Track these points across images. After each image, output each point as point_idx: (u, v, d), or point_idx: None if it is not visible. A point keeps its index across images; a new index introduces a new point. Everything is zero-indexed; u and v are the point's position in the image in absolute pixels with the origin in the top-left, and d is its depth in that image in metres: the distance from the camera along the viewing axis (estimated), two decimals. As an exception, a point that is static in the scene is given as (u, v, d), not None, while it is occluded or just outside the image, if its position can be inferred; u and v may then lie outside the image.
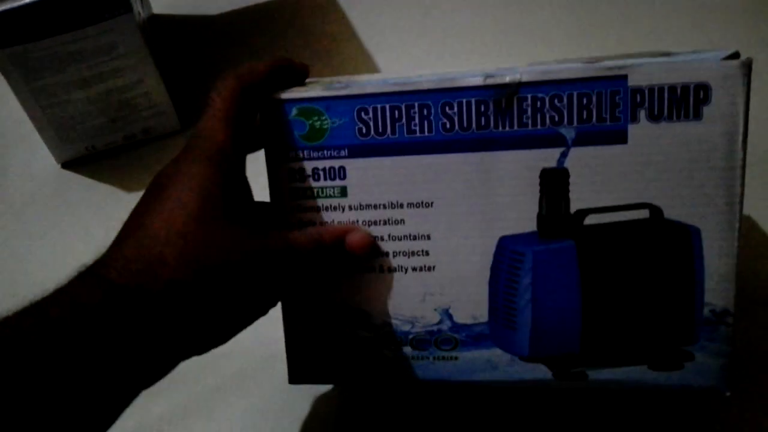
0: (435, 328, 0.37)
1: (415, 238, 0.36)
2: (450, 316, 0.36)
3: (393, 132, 0.35)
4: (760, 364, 0.42)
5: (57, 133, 0.58)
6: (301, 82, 0.38)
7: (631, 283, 0.35)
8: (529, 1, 0.61)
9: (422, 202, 0.36)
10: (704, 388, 0.35)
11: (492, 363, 0.36)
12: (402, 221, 0.36)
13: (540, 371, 0.36)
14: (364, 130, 0.36)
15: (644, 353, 0.36)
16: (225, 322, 0.34)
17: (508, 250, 0.35)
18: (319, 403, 0.45)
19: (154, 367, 0.32)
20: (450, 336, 0.37)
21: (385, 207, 0.36)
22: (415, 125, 0.35)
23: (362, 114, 0.35)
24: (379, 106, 0.35)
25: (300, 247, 0.34)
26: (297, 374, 0.39)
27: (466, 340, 0.36)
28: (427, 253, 0.36)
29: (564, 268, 0.35)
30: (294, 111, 0.36)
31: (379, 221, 0.36)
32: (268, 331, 0.41)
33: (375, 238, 0.36)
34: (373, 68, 0.60)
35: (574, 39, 0.58)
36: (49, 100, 0.55)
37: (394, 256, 0.36)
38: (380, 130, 0.35)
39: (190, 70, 0.63)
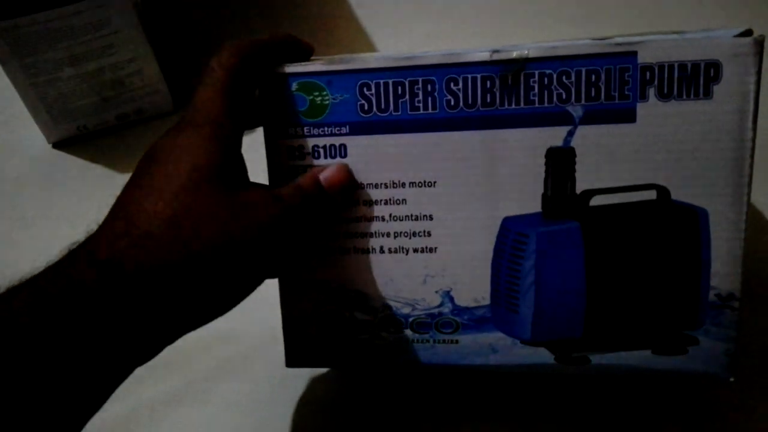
0: (436, 311, 0.36)
1: (417, 218, 0.35)
2: (451, 299, 0.36)
3: (396, 109, 0.34)
4: (765, 350, 0.42)
5: (48, 112, 0.56)
6: (308, 56, 0.37)
7: (636, 266, 0.34)
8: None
9: (425, 182, 0.35)
10: (708, 373, 0.35)
11: (493, 347, 0.36)
12: (404, 201, 0.35)
13: (542, 355, 0.36)
14: (366, 107, 0.35)
15: (648, 337, 0.35)
16: (221, 296, 0.33)
17: (511, 232, 0.34)
18: (316, 386, 0.44)
19: (149, 344, 0.31)
20: (451, 319, 0.36)
21: (386, 186, 0.35)
22: (418, 102, 0.34)
23: (364, 89, 0.34)
24: (381, 81, 0.34)
25: (292, 202, 0.33)
26: (294, 357, 0.38)
27: (467, 323, 0.36)
28: (429, 234, 0.35)
29: (568, 250, 0.34)
30: (295, 85, 0.35)
31: (380, 201, 0.35)
32: (265, 314, 0.40)
33: (377, 217, 0.35)
34: (371, 49, 0.59)
35: (581, 19, 0.57)
36: (39, 77, 0.54)
37: (395, 237, 0.36)
38: (383, 107, 0.34)
39: (185, 51, 0.62)
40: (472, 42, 0.58)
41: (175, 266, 0.30)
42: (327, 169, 0.35)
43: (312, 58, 0.37)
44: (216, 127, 0.32)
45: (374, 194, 0.35)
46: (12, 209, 0.56)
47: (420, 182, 0.35)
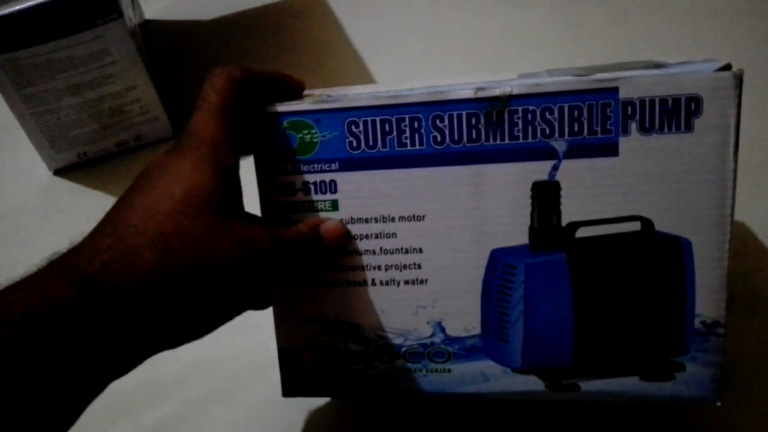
0: (428, 341, 0.37)
1: (407, 251, 0.36)
2: (443, 329, 0.36)
3: (384, 145, 0.35)
4: (751, 372, 0.42)
5: (49, 140, 0.57)
6: (296, 98, 0.37)
7: (622, 295, 0.35)
8: (522, 5, 0.61)
9: (414, 216, 0.36)
10: (695, 398, 0.35)
11: (485, 375, 0.37)
12: (394, 235, 0.36)
13: (532, 383, 0.36)
14: (354, 144, 0.35)
15: (635, 364, 0.36)
16: (199, 320, 0.33)
17: (500, 263, 0.35)
18: (313, 412, 0.45)
19: (125, 360, 0.31)
20: (443, 349, 0.37)
21: (376, 221, 0.36)
22: (405, 138, 0.35)
23: (352, 127, 0.35)
24: (369, 119, 0.35)
25: (288, 242, 0.34)
26: (290, 388, 0.39)
27: (458, 352, 0.36)
28: (420, 267, 0.36)
29: (556, 280, 0.35)
30: (285, 124, 0.36)
31: (371, 235, 0.36)
32: (261, 338, 0.40)
33: (367, 250, 0.36)
34: (365, 73, 0.60)
35: (568, 45, 0.58)
36: (40, 107, 0.55)
37: (386, 270, 0.36)
38: (371, 144, 0.35)
39: (182, 76, 0.63)
40: (465, 64, 0.59)
41: (159, 286, 0.30)
42: (328, 222, 0.36)
43: (305, 92, 0.38)
44: (212, 149, 0.33)
45: (364, 228, 0.36)
46: (14, 236, 0.57)
47: (409, 216, 0.36)
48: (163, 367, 0.47)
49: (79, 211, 0.57)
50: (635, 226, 0.34)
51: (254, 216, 0.38)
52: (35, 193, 0.59)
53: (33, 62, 0.52)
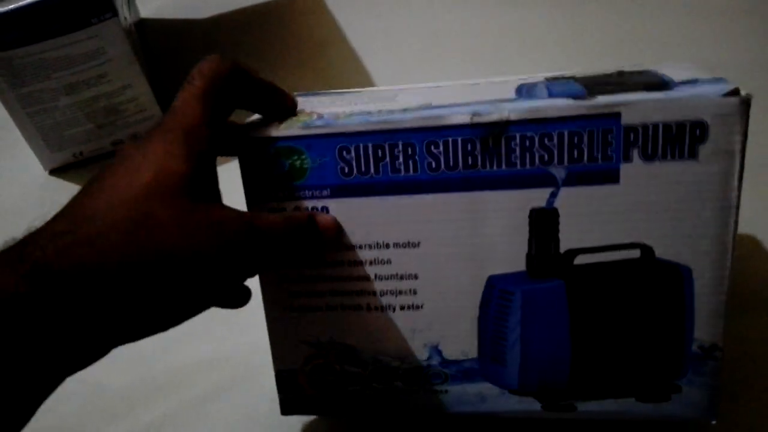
0: (425, 363, 0.37)
1: (402, 277, 0.35)
2: (439, 352, 0.36)
3: (376, 171, 0.34)
4: (747, 390, 0.42)
5: (44, 140, 0.57)
6: (287, 116, 0.36)
7: (620, 322, 0.35)
8: (521, 5, 0.60)
9: (409, 242, 0.35)
10: (691, 417, 0.36)
11: (482, 395, 0.37)
12: (388, 261, 0.35)
13: (529, 403, 0.36)
14: (346, 170, 0.34)
15: (632, 386, 0.36)
16: (167, 309, 0.30)
17: (497, 289, 0.35)
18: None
19: (83, 352, 0.29)
20: (440, 371, 0.37)
21: (370, 247, 0.35)
22: (399, 164, 0.34)
23: (344, 153, 0.34)
24: (361, 144, 0.34)
25: (269, 229, 0.32)
26: (288, 407, 0.39)
27: (455, 374, 0.36)
28: (415, 292, 0.36)
29: (553, 307, 0.34)
30: (273, 150, 0.35)
31: (365, 261, 0.35)
32: (260, 336, 0.40)
33: (361, 276, 0.36)
34: (361, 71, 0.59)
35: (567, 45, 0.57)
36: (35, 106, 0.55)
37: (381, 295, 0.36)
38: (363, 170, 0.34)
39: (178, 75, 0.62)
40: (462, 63, 0.58)
41: (121, 272, 0.28)
42: (321, 213, 0.35)
43: (298, 109, 0.37)
44: (188, 133, 0.31)
45: (359, 255, 0.35)
46: (9, 234, 0.57)
47: (404, 243, 0.35)
48: (161, 365, 0.47)
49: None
50: (635, 252, 0.34)
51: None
52: (31, 193, 0.59)
53: (28, 61, 0.52)
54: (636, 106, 0.32)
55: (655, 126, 0.32)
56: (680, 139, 0.32)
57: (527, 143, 0.33)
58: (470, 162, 0.33)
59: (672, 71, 0.35)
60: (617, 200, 0.33)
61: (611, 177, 0.33)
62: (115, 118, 0.58)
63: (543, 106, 0.33)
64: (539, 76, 0.38)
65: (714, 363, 0.35)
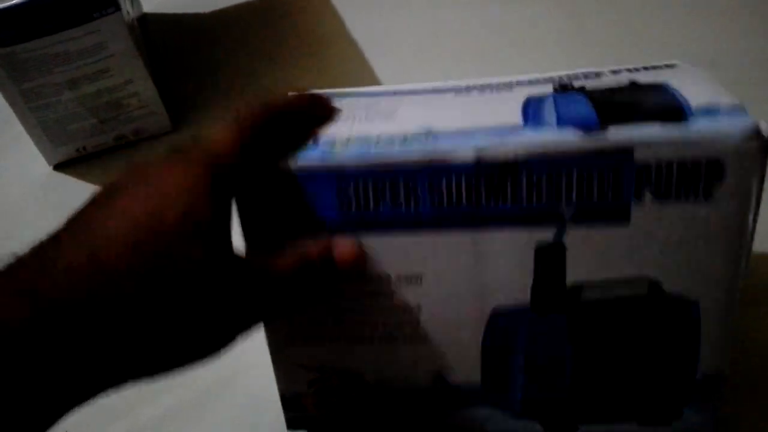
0: (429, 388, 0.36)
1: (404, 310, 0.34)
2: (442, 379, 0.36)
3: (377, 206, 0.32)
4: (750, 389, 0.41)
5: (47, 135, 0.57)
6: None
7: (624, 356, 0.34)
8: (524, 4, 0.60)
9: (412, 277, 0.34)
10: None
11: (486, 417, 0.36)
12: (391, 294, 0.34)
13: (531, 426, 0.36)
14: (345, 206, 0.32)
15: (634, 412, 0.35)
16: (177, 351, 0.29)
17: (500, 324, 0.34)
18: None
19: (84, 392, 0.28)
20: (443, 396, 0.36)
21: (372, 280, 0.34)
22: (400, 200, 0.32)
23: (342, 189, 0.32)
24: (360, 181, 0.32)
25: (284, 269, 0.30)
26: (294, 423, 0.39)
27: (459, 399, 0.36)
28: (418, 324, 0.35)
29: (555, 341, 0.34)
30: (270, 185, 0.33)
31: (367, 293, 0.34)
32: (255, 336, 0.40)
33: (364, 308, 0.34)
34: (365, 67, 0.59)
35: (569, 44, 0.57)
36: (38, 101, 0.55)
37: (384, 327, 0.35)
38: (363, 205, 0.32)
39: (181, 70, 0.63)
40: (466, 59, 0.58)
41: (133, 313, 0.27)
42: (340, 241, 0.32)
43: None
44: (218, 163, 0.29)
45: (359, 288, 0.34)
46: (13, 231, 0.57)
47: (406, 277, 0.34)
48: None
49: (78, 206, 0.57)
50: (643, 287, 0.32)
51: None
52: (34, 188, 0.59)
53: (30, 57, 0.52)
54: (651, 143, 0.30)
55: (670, 164, 0.30)
56: (695, 178, 0.30)
57: (534, 179, 0.31)
58: (474, 198, 0.32)
59: (687, 86, 0.32)
60: (627, 239, 0.31)
61: (621, 216, 0.31)
62: (117, 113, 0.58)
63: (552, 142, 0.31)
64: (546, 79, 0.36)
65: (718, 390, 0.34)
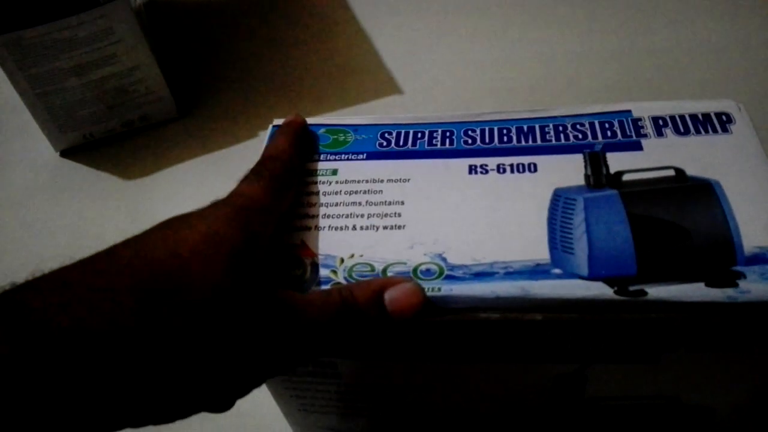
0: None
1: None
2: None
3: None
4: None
5: (54, 121, 0.57)
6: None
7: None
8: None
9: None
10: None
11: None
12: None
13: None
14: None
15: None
16: (193, 392, 0.26)
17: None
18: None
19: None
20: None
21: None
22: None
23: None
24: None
25: (324, 312, 0.28)
26: None
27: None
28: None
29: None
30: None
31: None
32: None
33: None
34: (370, 50, 0.60)
35: (593, 31, 0.57)
36: (45, 87, 0.55)
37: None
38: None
39: (187, 56, 0.63)
40: (474, 38, 0.58)
41: (134, 340, 0.24)
42: (394, 287, 0.29)
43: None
44: (246, 202, 0.29)
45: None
46: (21, 216, 0.56)
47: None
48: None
49: (86, 192, 0.57)
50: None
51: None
52: (42, 174, 0.58)
53: (37, 42, 0.52)
54: (693, 307, 0.31)
55: (712, 323, 0.31)
56: (739, 335, 0.32)
57: (559, 333, 0.33)
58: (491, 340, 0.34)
59: (740, 194, 0.34)
60: (651, 372, 0.34)
61: (650, 360, 0.33)
62: (124, 99, 0.58)
63: (584, 301, 0.32)
64: (576, 138, 0.38)
65: None
